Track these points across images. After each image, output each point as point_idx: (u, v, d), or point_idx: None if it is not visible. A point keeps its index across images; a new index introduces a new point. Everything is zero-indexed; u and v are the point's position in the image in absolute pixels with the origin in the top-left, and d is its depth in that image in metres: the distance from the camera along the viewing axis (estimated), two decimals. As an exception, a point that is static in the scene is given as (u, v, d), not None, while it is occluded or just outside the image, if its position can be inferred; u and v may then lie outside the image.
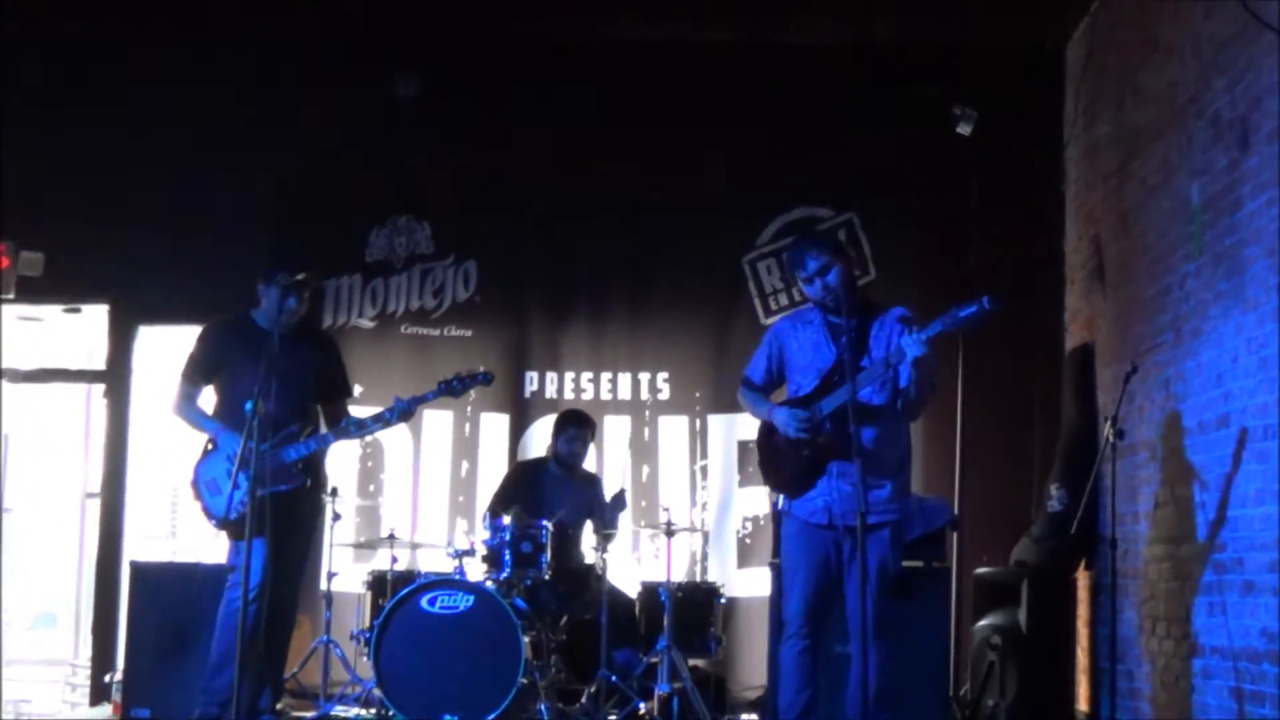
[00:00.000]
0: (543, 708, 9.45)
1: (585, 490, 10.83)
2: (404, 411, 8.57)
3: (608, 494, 10.80)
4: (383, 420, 8.55)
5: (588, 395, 11.92)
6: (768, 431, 7.62)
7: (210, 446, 8.51)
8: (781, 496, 7.54)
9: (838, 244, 7.81)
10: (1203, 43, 8.84)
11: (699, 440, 11.88)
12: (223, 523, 8.45)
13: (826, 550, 7.40)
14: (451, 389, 8.69)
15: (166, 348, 11.26)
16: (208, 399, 8.71)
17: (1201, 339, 8.78)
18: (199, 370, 8.68)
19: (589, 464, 11.21)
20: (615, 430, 11.87)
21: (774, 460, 7.61)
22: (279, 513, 8.01)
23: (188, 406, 8.64)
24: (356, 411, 8.89)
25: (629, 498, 10.89)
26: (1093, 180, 11.11)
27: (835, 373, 7.35)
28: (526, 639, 9.38)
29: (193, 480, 8.53)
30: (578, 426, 10.83)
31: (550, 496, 10.51)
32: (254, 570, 8.20)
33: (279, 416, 8.26)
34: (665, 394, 11.95)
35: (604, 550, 10.21)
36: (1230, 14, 8.31)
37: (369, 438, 11.60)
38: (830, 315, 7.48)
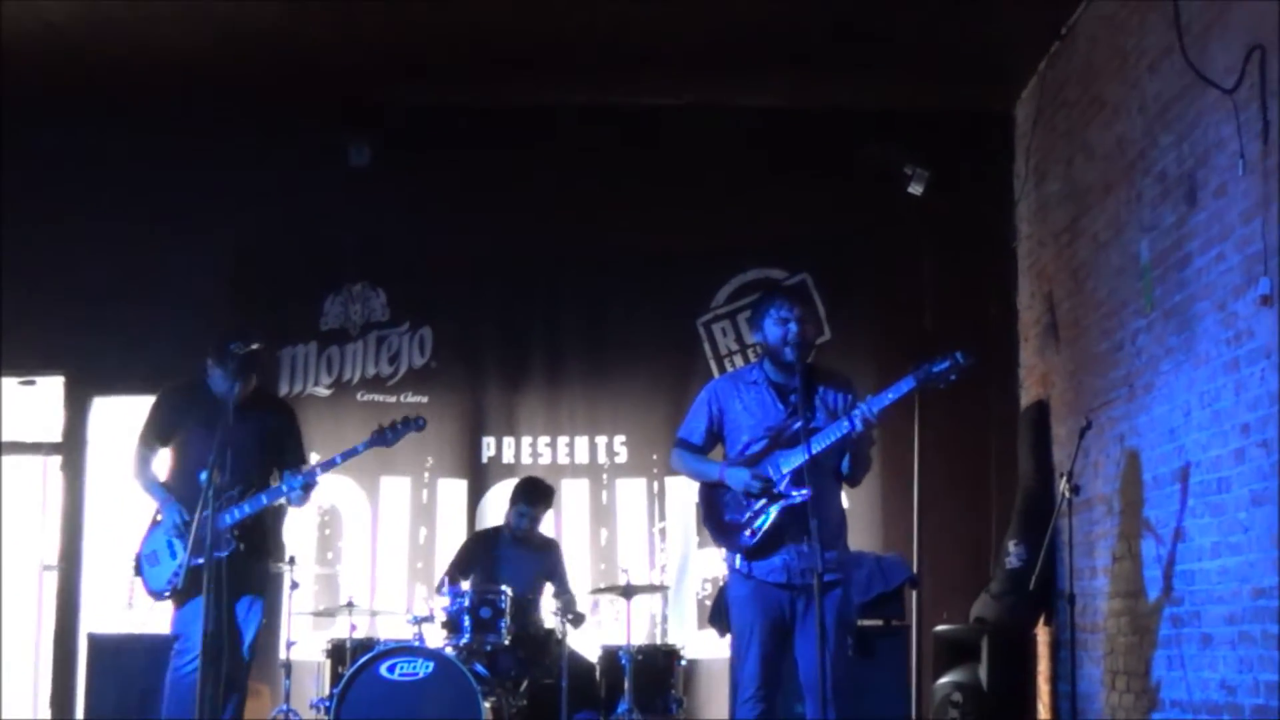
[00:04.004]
0: (504, 774, 9.43)
1: (542, 556, 10.81)
2: (324, 469, 8.52)
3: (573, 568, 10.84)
4: (313, 475, 8.42)
5: (545, 460, 11.91)
6: (716, 490, 7.59)
7: (158, 518, 8.48)
8: (737, 556, 7.50)
9: (811, 303, 7.88)
10: (1149, 100, 8.92)
11: (657, 502, 11.87)
12: (160, 595, 8.41)
13: (781, 610, 7.37)
14: (385, 438, 8.60)
15: (122, 419, 11.21)
16: (164, 462, 8.67)
17: (1154, 393, 8.83)
18: (154, 432, 8.65)
19: (547, 528, 11.17)
20: (573, 494, 11.86)
21: (726, 520, 7.55)
22: (219, 580, 7.99)
23: (143, 469, 8.61)
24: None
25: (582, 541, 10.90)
26: (1044, 237, 11.19)
27: (785, 431, 7.36)
28: (487, 705, 9.36)
29: (136, 554, 8.51)
30: (529, 503, 10.74)
31: (506, 565, 10.47)
32: (191, 637, 8.17)
33: (226, 485, 8.20)
34: (623, 457, 11.94)
35: (565, 616, 10.20)
36: (1175, 71, 8.41)
37: (328, 505, 11.64)
38: (775, 373, 7.50)
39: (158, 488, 8.53)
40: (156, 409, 8.72)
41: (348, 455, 8.69)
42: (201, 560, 7.96)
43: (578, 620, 10.43)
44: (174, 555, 8.31)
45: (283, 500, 8.46)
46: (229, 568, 8.00)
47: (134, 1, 10.20)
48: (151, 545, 8.44)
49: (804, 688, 7.36)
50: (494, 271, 12.05)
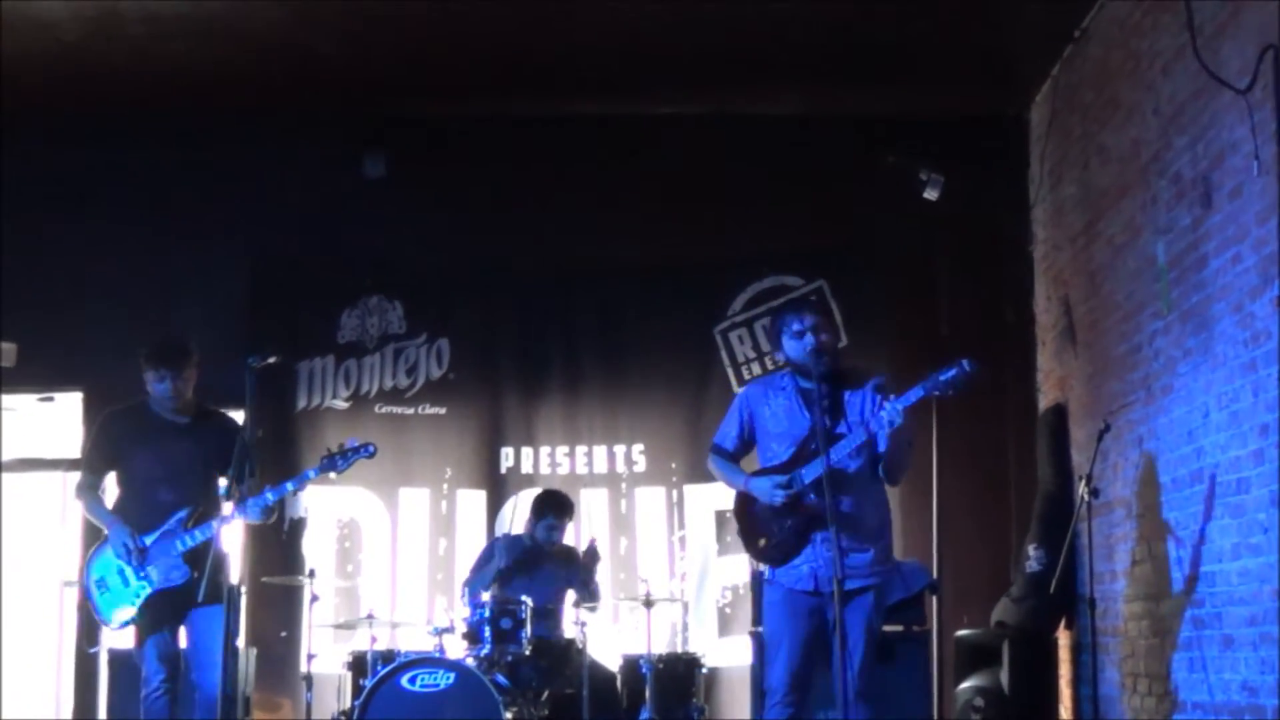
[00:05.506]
0: (526, 784, 9.42)
1: (562, 565, 10.79)
2: (275, 494, 8.21)
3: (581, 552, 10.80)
4: (272, 498, 8.15)
5: (564, 469, 11.90)
6: (746, 501, 7.59)
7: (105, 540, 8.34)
8: (765, 565, 7.51)
9: (825, 309, 7.88)
10: (1163, 102, 8.92)
11: (677, 511, 11.85)
12: (119, 624, 8.28)
13: (812, 617, 7.37)
14: (334, 464, 8.45)
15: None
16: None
17: (1172, 395, 8.82)
18: (99, 459, 8.52)
19: (566, 536, 11.16)
20: (592, 503, 11.83)
21: (755, 530, 7.53)
22: (178, 606, 8.01)
23: (88, 496, 8.43)
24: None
25: (602, 550, 10.88)
26: (1060, 241, 11.18)
27: (812, 440, 7.34)
28: (508, 715, 9.36)
29: (81, 578, 8.38)
30: (557, 516, 10.71)
31: (526, 573, 10.47)
32: (150, 663, 8.11)
33: (172, 503, 8.17)
34: (641, 466, 11.92)
35: (583, 623, 10.19)
36: (1189, 73, 8.40)
37: (347, 517, 11.65)
38: (804, 381, 7.48)
39: (103, 511, 8.34)
40: (100, 434, 8.57)
41: (300, 481, 8.62)
42: (161, 587, 8.05)
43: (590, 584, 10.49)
44: (126, 582, 8.17)
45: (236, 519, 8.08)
46: (193, 593, 7.96)
47: (147, 16, 10.23)
48: (100, 570, 8.26)
49: (836, 694, 7.35)
50: (510, 282, 12.06)
